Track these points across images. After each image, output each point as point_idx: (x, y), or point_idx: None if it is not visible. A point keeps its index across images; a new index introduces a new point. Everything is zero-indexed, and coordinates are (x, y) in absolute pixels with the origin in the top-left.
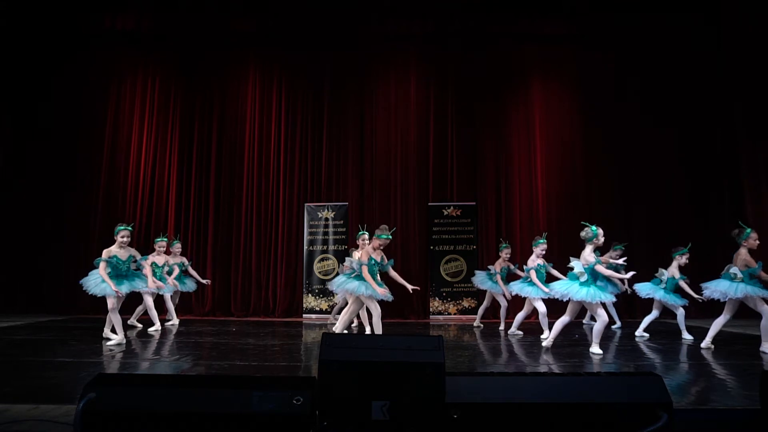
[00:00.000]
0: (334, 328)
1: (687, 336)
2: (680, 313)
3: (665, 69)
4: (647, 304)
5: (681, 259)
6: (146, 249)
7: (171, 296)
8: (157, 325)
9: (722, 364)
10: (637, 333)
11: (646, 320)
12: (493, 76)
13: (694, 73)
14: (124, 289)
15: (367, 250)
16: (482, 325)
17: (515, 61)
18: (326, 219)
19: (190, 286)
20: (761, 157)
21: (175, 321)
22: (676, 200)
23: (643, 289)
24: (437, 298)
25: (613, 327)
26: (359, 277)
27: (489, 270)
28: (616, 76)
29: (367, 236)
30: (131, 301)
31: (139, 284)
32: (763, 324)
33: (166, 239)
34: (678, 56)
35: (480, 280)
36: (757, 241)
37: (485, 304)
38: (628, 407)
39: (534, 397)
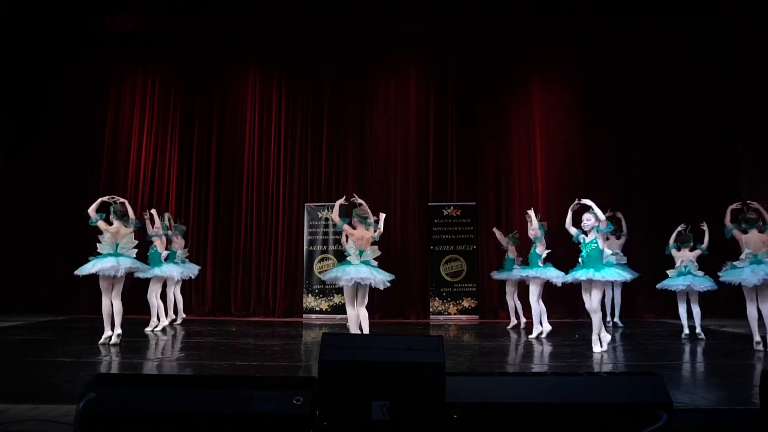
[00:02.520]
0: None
1: (701, 334)
2: (696, 310)
3: (665, 69)
4: (647, 305)
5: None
6: (146, 248)
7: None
8: (152, 326)
9: (722, 364)
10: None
11: (683, 316)
12: (493, 76)
13: (694, 73)
14: (107, 263)
15: (346, 232)
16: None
17: (515, 61)
18: (326, 219)
19: (191, 268)
20: (761, 157)
21: (164, 322)
22: (676, 200)
23: (666, 283)
24: (437, 298)
25: (610, 326)
26: (341, 263)
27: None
28: (616, 76)
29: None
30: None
31: (131, 263)
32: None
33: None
34: (678, 56)
35: (497, 273)
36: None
37: (509, 297)
38: (628, 407)
39: (534, 397)
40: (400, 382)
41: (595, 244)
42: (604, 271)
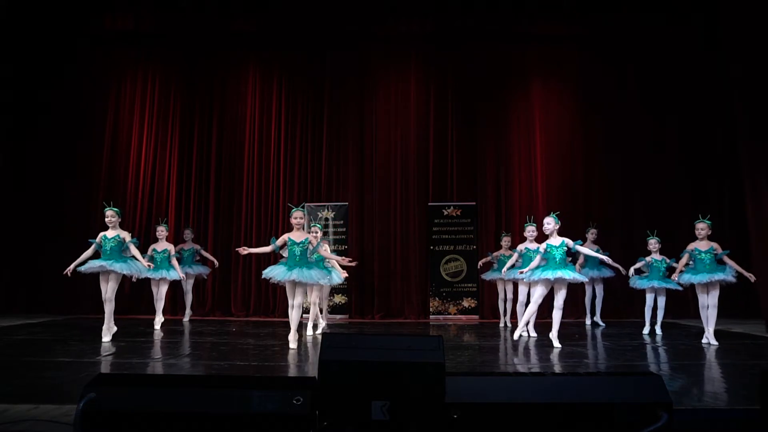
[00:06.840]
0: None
1: (658, 330)
2: (661, 303)
3: (665, 69)
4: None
5: (650, 245)
6: (146, 249)
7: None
8: (158, 321)
9: (721, 364)
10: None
11: (648, 315)
12: (493, 76)
13: (694, 73)
14: (98, 263)
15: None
16: (510, 325)
17: (515, 61)
18: (326, 219)
19: (197, 269)
20: (761, 157)
21: (160, 319)
22: (677, 200)
23: (632, 281)
24: (437, 298)
25: (587, 323)
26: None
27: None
28: (616, 76)
29: (318, 228)
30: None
31: (123, 267)
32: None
33: (166, 225)
34: (678, 56)
35: (488, 274)
36: (698, 231)
37: (501, 297)
38: (628, 407)
39: (534, 397)
40: (400, 382)
41: (566, 248)
42: (574, 272)
